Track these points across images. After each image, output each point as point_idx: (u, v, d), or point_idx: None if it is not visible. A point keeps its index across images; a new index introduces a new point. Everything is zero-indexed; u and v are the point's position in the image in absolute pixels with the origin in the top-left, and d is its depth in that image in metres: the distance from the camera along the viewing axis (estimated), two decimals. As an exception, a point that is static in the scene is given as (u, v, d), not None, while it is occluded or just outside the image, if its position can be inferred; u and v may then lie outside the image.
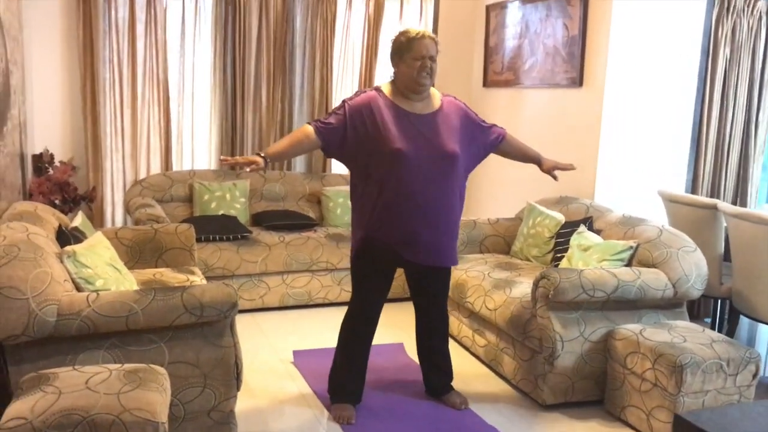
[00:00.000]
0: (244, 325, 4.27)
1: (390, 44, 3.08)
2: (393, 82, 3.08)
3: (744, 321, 4.44)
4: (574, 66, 4.49)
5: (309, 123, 3.04)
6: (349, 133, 2.99)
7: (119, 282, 2.93)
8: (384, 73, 5.50)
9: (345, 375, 3.21)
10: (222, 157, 2.93)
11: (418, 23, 5.61)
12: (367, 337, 3.20)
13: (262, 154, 2.92)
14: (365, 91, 3.09)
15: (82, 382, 2.26)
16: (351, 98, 3.06)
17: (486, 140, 3.22)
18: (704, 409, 2.65)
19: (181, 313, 2.66)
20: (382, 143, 2.94)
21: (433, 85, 3.11)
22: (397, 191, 2.95)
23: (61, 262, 2.79)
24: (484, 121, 3.26)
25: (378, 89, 3.08)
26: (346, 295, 4.72)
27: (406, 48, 2.99)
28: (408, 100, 3.03)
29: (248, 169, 2.86)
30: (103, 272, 2.89)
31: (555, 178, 3.34)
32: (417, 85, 2.99)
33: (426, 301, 3.29)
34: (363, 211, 3.05)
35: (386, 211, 2.98)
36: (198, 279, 3.53)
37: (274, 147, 3.03)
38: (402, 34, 3.04)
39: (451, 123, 3.07)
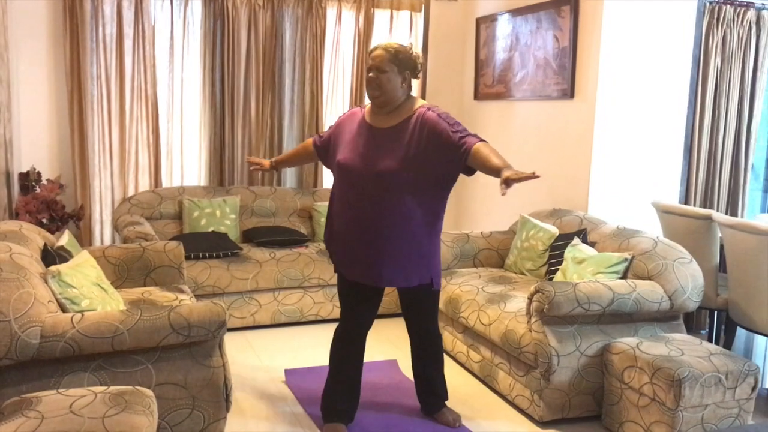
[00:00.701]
0: (234, 343, 4.21)
1: None
2: None
3: (741, 332, 4.41)
4: (565, 78, 4.47)
5: (313, 136, 3.38)
6: (331, 146, 3.18)
7: (105, 302, 2.87)
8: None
9: (336, 394, 3.15)
10: (248, 158, 3.54)
11: (408, 37, 5.60)
12: (356, 355, 3.15)
13: (272, 160, 3.45)
14: (355, 109, 3.17)
15: (66, 406, 2.20)
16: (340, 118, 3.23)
17: (456, 154, 2.83)
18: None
19: (168, 333, 2.61)
20: (334, 155, 3.09)
21: (391, 97, 2.91)
22: (339, 204, 3.03)
23: (46, 282, 2.73)
24: (459, 132, 2.85)
25: (364, 106, 3.15)
26: (339, 312, 4.66)
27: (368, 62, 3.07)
28: (373, 113, 3.04)
29: (251, 168, 3.46)
30: (89, 292, 2.83)
31: (502, 192, 2.62)
32: (369, 96, 3.00)
33: (413, 319, 3.24)
34: (328, 220, 3.18)
35: (331, 225, 3.10)
36: (187, 297, 3.47)
37: (281, 156, 3.54)
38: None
39: (406, 138, 2.89)
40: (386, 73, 2.93)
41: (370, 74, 2.95)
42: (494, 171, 2.74)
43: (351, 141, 3.01)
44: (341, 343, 3.15)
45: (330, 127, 3.26)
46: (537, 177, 2.65)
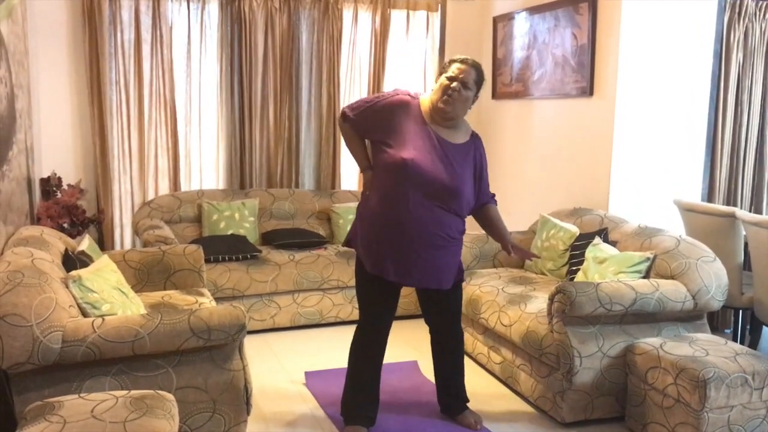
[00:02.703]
0: (254, 346, 4.22)
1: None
2: (431, 97, 3.00)
3: (767, 331, 4.34)
4: (584, 75, 4.43)
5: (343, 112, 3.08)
6: (374, 125, 2.98)
7: (126, 306, 2.89)
8: (392, 89, 5.47)
9: (357, 397, 3.14)
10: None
11: (425, 37, 5.58)
12: (377, 358, 3.13)
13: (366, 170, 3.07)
14: (402, 92, 3.02)
15: (88, 410, 2.21)
16: (386, 93, 3.03)
17: (477, 193, 3.09)
18: None
19: (188, 337, 2.62)
20: (396, 146, 2.88)
21: (459, 114, 2.96)
22: (392, 200, 2.89)
23: (67, 287, 2.75)
24: (487, 179, 3.14)
25: (416, 96, 3.01)
26: (358, 314, 4.66)
27: (445, 66, 2.97)
28: (437, 123, 2.95)
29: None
30: (110, 296, 2.85)
31: (508, 252, 3.13)
32: (439, 105, 2.90)
33: (437, 319, 3.22)
34: (362, 220, 3.03)
35: (375, 228, 2.95)
36: (207, 300, 3.48)
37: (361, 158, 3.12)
38: (453, 56, 3.03)
39: (471, 160, 3.00)
40: (469, 91, 2.92)
41: (453, 85, 2.88)
42: (502, 233, 3.16)
43: (415, 140, 2.89)
44: (363, 345, 3.12)
45: (366, 101, 3.02)
46: (538, 258, 3.38)
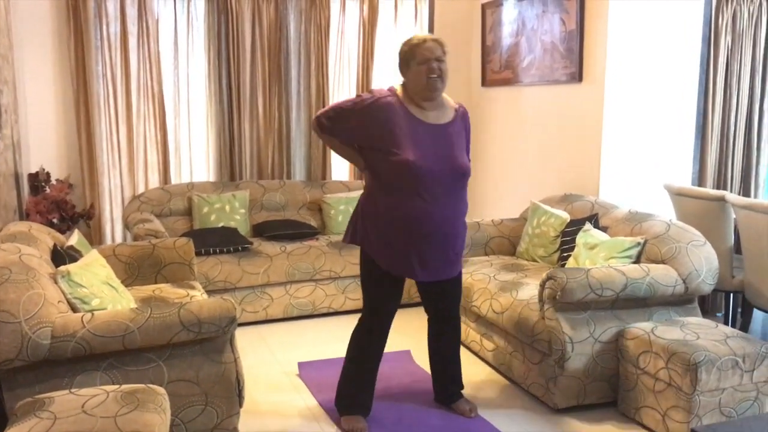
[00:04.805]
0: (247, 338, 4.21)
1: (397, 57, 2.99)
2: (405, 88, 2.95)
3: (758, 314, 4.36)
4: (573, 61, 4.42)
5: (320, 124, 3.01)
6: (361, 135, 2.94)
7: (116, 300, 2.87)
8: (381, 78, 5.45)
9: (356, 386, 3.14)
10: None
11: (414, 25, 5.55)
12: (378, 349, 3.13)
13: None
14: (380, 93, 2.93)
15: (78, 405, 2.20)
16: (364, 98, 2.93)
17: None
18: (721, 423, 2.56)
19: (178, 330, 2.60)
20: (393, 152, 2.83)
21: (443, 89, 2.94)
22: (402, 202, 2.86)
23: (56, 282, 2.73)
24: (469, 147, 3.11)
25: (393, 93, 2.94)
26: (351, 304, 4.66)
27: (410, 56, 2.89)
28: (421, 109, 2.92)
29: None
30: (99, 291, 2.83)
31: None
32: (428, 91, 2.87)
33: (438, 308, 3.21)
34: (375, 221, 2.95)
35: (394, 230, 2.90)
36: (198, 293, 3.47)
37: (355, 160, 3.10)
38: (405, 43, 2.94)
39: (462, 132, 3.01)
40: (444, 62, 2.90)
41: (433, 65, 2.83)
42: None
43: (412, 137, 2.85)
44: (368, 337, 3.10)
45: (343, 108, 2.93)
46: None
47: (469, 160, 3.09)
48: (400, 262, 2.93)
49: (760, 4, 4.55)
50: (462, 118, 3.03)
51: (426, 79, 2.86)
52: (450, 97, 3.09)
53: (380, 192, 2.92)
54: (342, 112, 2.94)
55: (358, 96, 2.95)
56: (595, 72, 4.29)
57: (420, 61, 2.86)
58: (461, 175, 2.93)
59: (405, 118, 2.88)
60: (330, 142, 3.07)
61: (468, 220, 4.35)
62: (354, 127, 2.93)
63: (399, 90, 2.96)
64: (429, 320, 3.27)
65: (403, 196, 2.86)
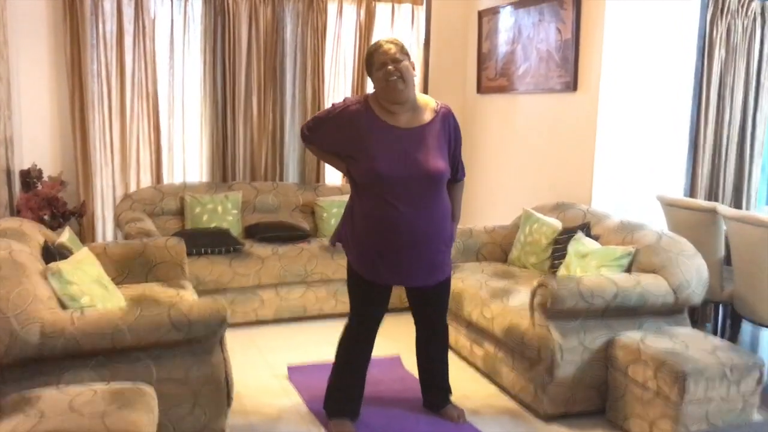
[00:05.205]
0: (237, 339, 4.20)
1: None
2: (375, 94, 2.97)
3: (747, 326, 4.38)
4: (568, 70, 4.44)
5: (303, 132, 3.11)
6: (332, 146, 3.02)
7: (106, 299, 2.86)
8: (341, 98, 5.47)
9: (342, 391, 3.14)
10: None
11: (410, 30, 5.56)
12: (366, 354, 3.13)
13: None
14: (350, 101, 2.99)
15: (66, 403, 2.20)
16: (336, 106, 2.99)
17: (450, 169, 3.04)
18: (708, 429, 2.58)
19: (168, 330, 2.60)
20: (362, 159, 2.87)
21: (412, 90, 2.91)
22: (375, 209, 2.88)
23: (46, 279, 2.72)
24: (460, 155, 3.09)
25: (366, 100, 2.97)
26: (343, 307, 4.65)
27: (370, 63, 2.92)
28: (391, 113, 2.92)
29: None
30: (89, 289, 2.82)
31: None
32: (391, 93, 2.86)
33: (425, 313, 3.21)
34: (352, 226, 3.00)
35: (354, 231, 2.95)
36: (189, 293, 3.46)
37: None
38: (366, 52, 2.98)
39: (442, 134, 2.95)
40: (403, 61, 2.86)
41: (389, 68, 2.82)
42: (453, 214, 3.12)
43: (380, 144, 2.86)
44: (354, 341, 3.11)
45: (320, 118, 3.02)
46: None
47: (460, 162, 3.07)
48: (370, 266, 2.95)
49: (754, 18, 4.59)
50: (443, 118, 2.97)
51: (386, 83, 2.86)
52: (446, 101, 3.10)
53: (356, 197, 2.98)
54: (318, 121, 3.04)
55: (332, 105, 3.03)
56: (589, 81, 4.32)
57: (378, 66, 2.88)
58: (434, 178, 2.89)
59: (373, 125, 2.90)
60: (313, 150, 3.17)
61: (460, 226, 4.37)
62: (329, 134, 3.00)
63: (371, 97, 2.98)
64: (416, 326, 3.27)
65: (374, 201, 2.90)
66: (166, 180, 5.11)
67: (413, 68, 2.94)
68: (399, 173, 2.84)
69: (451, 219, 3.07)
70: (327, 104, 5.36)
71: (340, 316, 4.62)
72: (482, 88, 5.49)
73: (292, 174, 5.44)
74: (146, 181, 5.06)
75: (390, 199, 2.85)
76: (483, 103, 5.51)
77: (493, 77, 5.33)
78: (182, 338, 2.64)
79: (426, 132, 2.93)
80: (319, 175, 5.48)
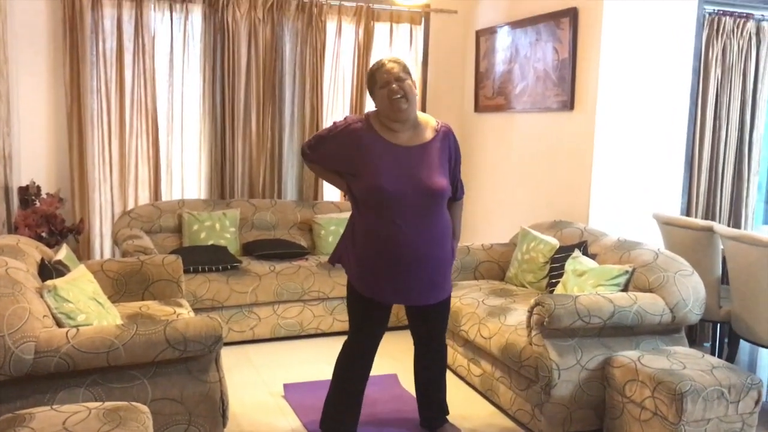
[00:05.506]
0: (233, 357, 4.18)
1: None
2: (377, 113, 2.99)
3: (744, 345, 4.38)
4: (565, 89, 4.46)
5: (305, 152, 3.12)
6: (333, 164, 3.03)
7: (102, 316, 2.85)
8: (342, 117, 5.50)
9: (341, 409, 3.12)
10: None
11: (409, 49, 5.60)
12: (364, 373, 3.11)
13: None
14: (351, 120, 3.00)
15: (60, 422, 2.18)
16: (337, 125, 3.01)
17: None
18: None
19: (163, 348, 2.59)
20: (364, 176, 2.88)
21: (414, 108, 2.94)
22: (377, 227, 2.88)
23: (42, 297, 2.71)
24: (459, 173, 3.10)
25: (367, 119, 2.98)
26: (339, 325, 4.64)
27: (372, 81, 2.95)
28: (392, 132, 2.94)
29: None
30: (85, 307, 2.81)
31: None
32: (394, 112, 2.88)
33: (424, 331, 3.20)
34: (353, 243, 2.99)
35: (367, 253, 2.93)
36: (185, 311, 3.45)
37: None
38: (369, 70, 3.01)
39: (443, 152, 2.98)
40: (407, 80, 2.89)
41: (393, 86, 2.84)
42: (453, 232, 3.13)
43: (381, 161, 2.86)
44: (352, 360, 3.09)
45: (321, 137, 3.03)
46: None
47: (459, 180, 3.10)
48: (371, 284, 2.95)
49: (749, 38, 4.62)
50: (444, 137, 3.00)
51: (389, 102, 2.88)
52: (444, 120, 3.12)
53: (357, 215, 2.98)
54: (320, 139, 3.05)
55: (333, 123, 3.05)
56: (586, 100, 4.34)
57: (381, 85, 2.90)
58: (436, 195, 2.90)
59: (374, 143, 2.91)
60: (314, 169, 3.17)
61: (459, 244, 4.37)
62: (330, 153, 3.01)
63: (372, 115, 2.99)
64: (414, 344, 3.26)
65: (375, 219, 2.90)
66: (165, 197, 5.12)
67: (415, 87, 2.96)
68: (401, 189, 2.84)
69: (451, 237, 3.07)
70: (326, 122, 5.39)
71: (336, 334, 4.62)
72: (480, 106, 5.52)
73: (290, 191, 5.45)
74: (144, 198, 5.06)
75: (392, 217, 2.85)
76: (481, 121, 5.53)
77: (491, 96, 5.35)
78: (178, 356, 2.63)
79: (427, 150, 2.95)
80: (317, 193, 5.49)
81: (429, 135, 2.98)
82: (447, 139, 3.01)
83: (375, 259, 2.91)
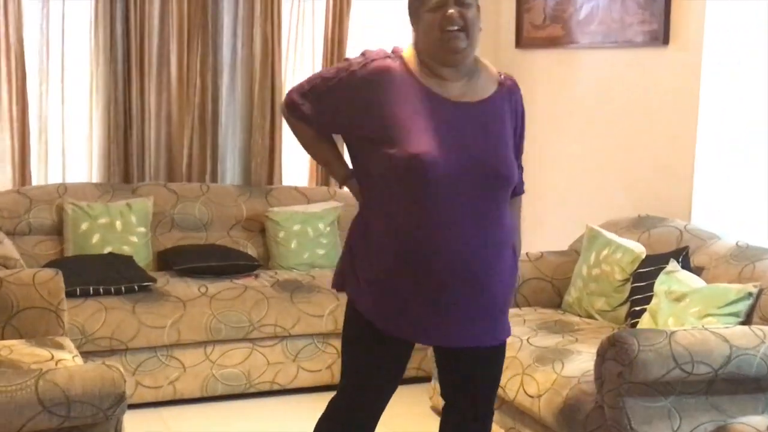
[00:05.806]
0: (143, 427, 4.20)
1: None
2: (415, 50, 2.92)
3: None
4: (656, 13, 4.48)
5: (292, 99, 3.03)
6: (348, 115, 2.93)
7: (-61, 364, 2.86)
8: (364, 32, 5.50)
9: None
10: None
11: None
12: None
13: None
14: (376, 55, 2.90)
15: None
16: (351, 62, 2.92)
17: None
18: None
19: (36, 413, 2.60)
20: (392, 142, 2.81)
21: (474, 50, 2.87)
22: (418, 234, 2.81)
23: None
24: (520, 156, 3.08)
25: (397, 54, 2.92)
26: (309, 378, 4.67)
27: (419, 1, 2.88)
28: (440, 79, 2.88)
29: None
30: None
31: None
32: (446, 52, 2.81)
33: (461, 391, 3.17)
34: (366, 254, 2.97)
35: (388, 267, 2.87)
36: (69, 356, 3.46)
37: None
38: None
39: (507, 117, 2.95)
40: (472, 7, 2.83)
41: (450, 12, 2.77)
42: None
43: (421, 120, 2.81)
44: (345, 426, 3.09)
45: (324, 78, 2.96)
46: None
47: (520, 165, 3.05)
48: (393, 314, 2.89)
49: None
50: (510, 95, 2.97)
51: (440, 33, 2.85)
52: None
53: (375, 207, 2.91)
54: (320, 84, 2.94)
55: (345, 60, 2.97)
56: (688, 31, 4.35)
57: (432, 7, 2.85)
58: (502, 179, 2.87)
59: (413, 93, 2.85)
60: (303, 134, 3.07)
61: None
62: (339, 104, 2.91)
63: (408, 52, 2.96)
64: (444, 407, 3.24)
65: (407, 212, 2.83)
66: (37, 180, 5.13)
67: (480, 19, 2.92)
68: (451, 167, 2.79)
69: (512, 250, 3.05)
70: (285, 63, 5.39)
71: (304, 391, 4.63)
72: (524, 40, 5.54)
73: (230, 171, 5.47)
74: (5, 181, 5.07)
75: (434, 209, 2.80)
76: (525, 62, 5.55)
77: (541, 24, 5.37)
78: (58, 425, 2.64)
79: (489, 110, 2.91)
80: (272, 173, 5.51)
81: (491, 89, 2.96)
82: (512, 98, 2.99)
83: (404, 278, 2.87)
